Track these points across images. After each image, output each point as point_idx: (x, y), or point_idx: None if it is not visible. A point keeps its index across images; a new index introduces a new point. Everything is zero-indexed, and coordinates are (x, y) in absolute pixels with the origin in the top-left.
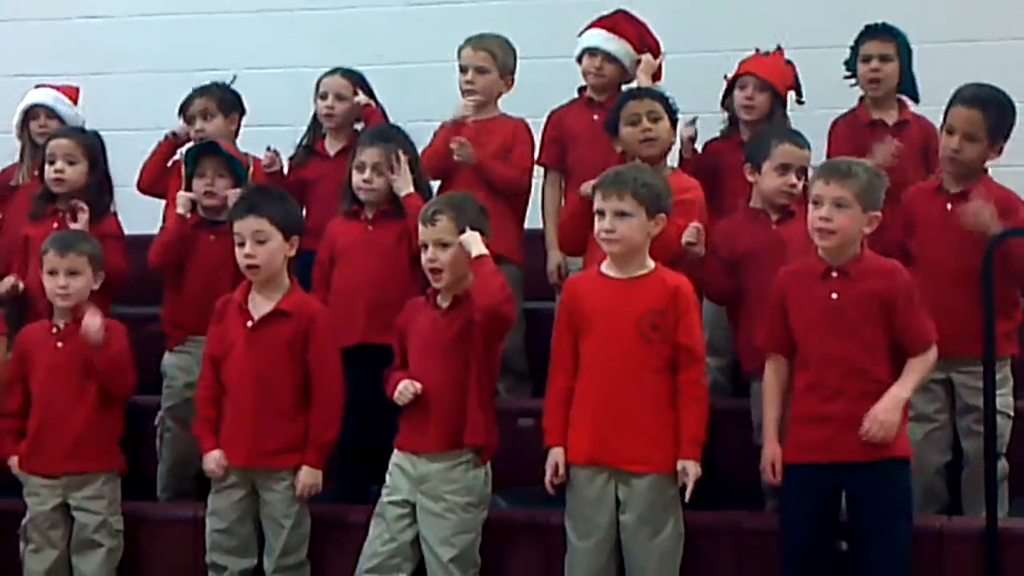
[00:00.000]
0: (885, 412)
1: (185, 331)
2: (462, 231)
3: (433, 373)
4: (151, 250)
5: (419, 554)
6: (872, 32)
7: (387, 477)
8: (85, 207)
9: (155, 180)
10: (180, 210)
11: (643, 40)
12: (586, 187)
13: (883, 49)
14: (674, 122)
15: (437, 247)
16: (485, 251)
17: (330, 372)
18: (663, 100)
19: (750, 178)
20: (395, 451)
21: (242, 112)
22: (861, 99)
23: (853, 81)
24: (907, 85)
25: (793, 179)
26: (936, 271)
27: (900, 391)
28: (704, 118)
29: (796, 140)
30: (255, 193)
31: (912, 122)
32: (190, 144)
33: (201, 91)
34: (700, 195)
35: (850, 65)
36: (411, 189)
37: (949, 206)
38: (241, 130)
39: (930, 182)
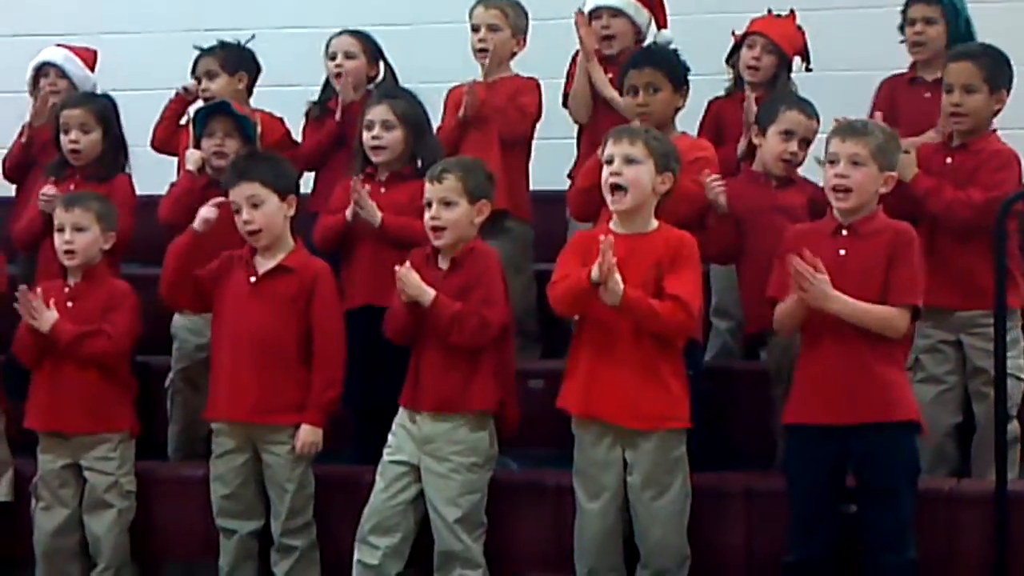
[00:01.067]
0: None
1: None
2: (469, 192)
3: (432, 339)
4: (161, 206)
5: (419, 513)
6: None
7: (390, 436)
8: None
9: (167, 137)
10: (190, 166)
11: None
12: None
13: (927, 12)
14: (682, 85)
15: (441, 205)
16: (432, 294)
17: (333, 330)
18: (668, 66)
19: (756, 141)
20: (400, 409)
21: (254, 71)
22: (913, 64)
23: (902, 40)
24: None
25: (794, 146)
26: (942, 227)
27: (841, 303)
28: (715, 80)
29: (804, 108)
30: (244, 159)
31: None
32: (199, 104)
33: (206, 51)
34: (713, 153)
35: (902, 28)
36: (379, 216)
37: (949, 160)
38: (255, 89)
39: (936, 141)
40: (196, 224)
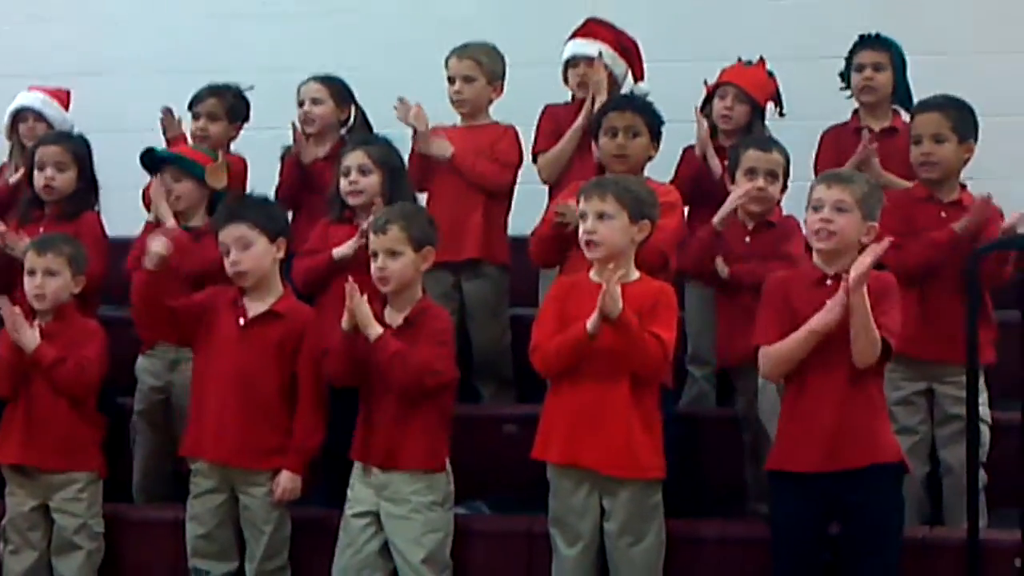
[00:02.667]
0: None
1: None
2: (413, 240)
3: (379, 390)
4: (129, 258)
5: (388, 563)
6: (866, 42)
7: (348, 491)
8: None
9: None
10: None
11: (620, 41)
12: (562, 207)
13: (876, 58)
14: (658, 136)
15: (387, 256)
16: (380, 330)
17: (318, 379)
18: (647, 114)
19: (731, 189)
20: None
21: (245, 121)
22: (855, 111)
23: (848, 93)
24: (901, 95)
25: (760, 182)
26: (925, 280)
27: (863, 297)
28: (688, 127)
29: (761, 145)
30: (235, 201)
31: (901, 130)
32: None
33: (215, 91)
34: (678, 197)
35: (845, 76)
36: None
37: (944, 215)
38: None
39: (915, 191)
40: (148, 263)
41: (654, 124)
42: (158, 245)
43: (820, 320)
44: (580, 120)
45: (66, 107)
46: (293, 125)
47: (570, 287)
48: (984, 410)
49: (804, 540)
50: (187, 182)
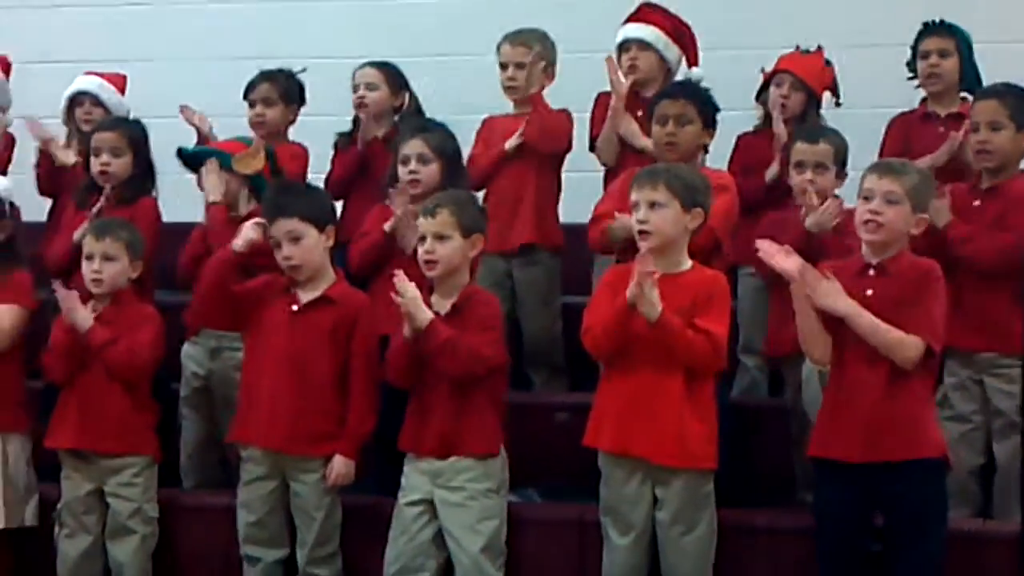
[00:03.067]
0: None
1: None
2: (462, 226)
3: (430, 379)
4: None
5: (442, 551)
6: (931, 29)
7: (403, 479)
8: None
9: None
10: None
11: (673, 25)
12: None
13: (941, 45)
14: (711, 123)
15: (435, 239)
16: (430, 316)
17: (371, 364)
18: (700, 101)
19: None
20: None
21: (302, 104)
22: (924, 99)
23: (916, 82)
24: (970, 81)
25: (809, 175)
26: (969, 270)
27: (851, 308)
28: (745, 115)
29: (807, 137)
30: (280, 193)
31: (966, 116)
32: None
33: (267, 76)
34: (732, 182)
35: (911, 65)
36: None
37: (977, 203)
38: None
39: (967, 183)
40: (238, 244)
41: (707, 111)
42: (251, 231)
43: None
44: (614, 102)
45: (122, 92)
46: (357, 113)
47: (624, 274)
48: None
49: (845, 527)
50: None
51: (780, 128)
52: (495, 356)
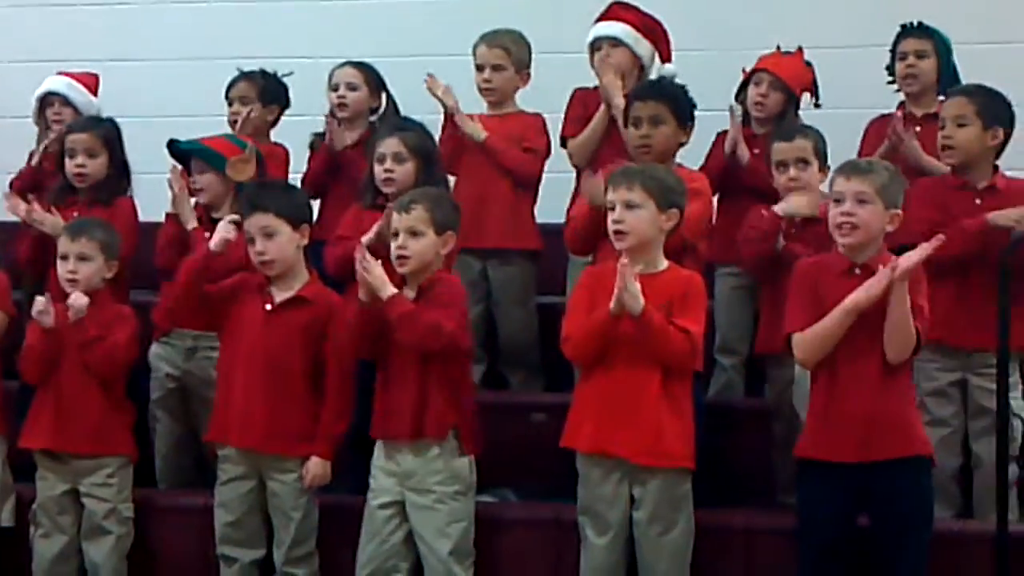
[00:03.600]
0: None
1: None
2: (436, 223)
3: (399, 361)
4: (157, 247)
5: (412, 552)
6: (909, 31)
7: (371, 480)
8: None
9: None
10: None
11: (644, 21)
12: (589, 184)
13: (919, 46)
14: (687, 121)
15: (408, 235)
16: (393, 290)
17: (345, 364)
18: (673, 101)
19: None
20: (376, 451)
21: (284, 106)
22: (902, 102)
23: (896, 87)
24: (948, 82)
25: (791, 172)
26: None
27: (905, 298)
28: (721, 115)
29: (784, 136)
30: (257, 189)
31: None
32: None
33: (246, 76)
34: (706, 184)
35: (890, 67)
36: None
37: (979, 201)
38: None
39: (948, 179)
40: (214, 244)
41: (681, 110)
42: (225, 231)
43: (857, 297)
44: (604, 106)
45: (94, 92)
46: (330, 112)
47: (599, 276)
48: (1018, 403)
49: (831, 529)
50: (209, 174)
51: (743, 150)
52: (456, 331)
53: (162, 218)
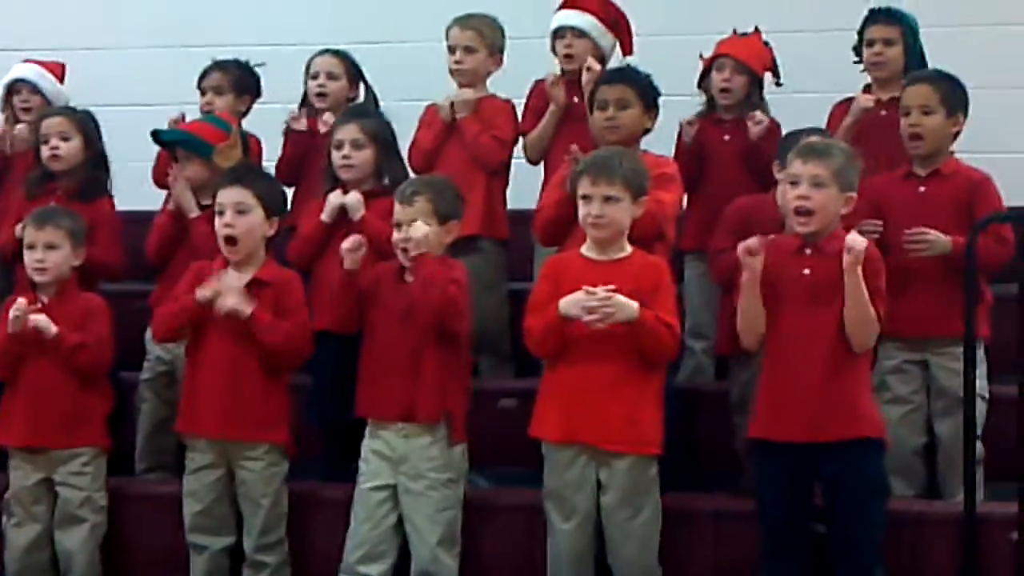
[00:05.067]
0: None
1: None
2: (438, 213)
3: (397, 340)
4: (147, 244)
5: (400, 537)
6: (876, 16)
7: (361, 464)
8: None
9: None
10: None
11: (609, 14)
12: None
13: (886, 33)
14: (652, 106)
15: (411, 227)
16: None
17: (303, 322)
18: (638, 85)
19: (777, 175)
20: (368, 434)
21: (255, 95)
22: (867, 85)
23: (862, 68)
24: (915, 67)
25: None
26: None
27: (860, 283)
28: (685, 101)
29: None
30: (243, 167)
31: None
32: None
33: (219, 66)
34: (675, 169)
35: (857, 50)
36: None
37: (922, 189)
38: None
39: (897, 170)
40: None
41: (646, 95)
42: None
43: (745, 273)
44: (554, 107)
45: (61, 80)
46: (304, 100)
47: (561, 265)
48: (981, 383)
49: (788, 508)
50: (196, 162)
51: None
52: (463, 308)
53: (136, 206)
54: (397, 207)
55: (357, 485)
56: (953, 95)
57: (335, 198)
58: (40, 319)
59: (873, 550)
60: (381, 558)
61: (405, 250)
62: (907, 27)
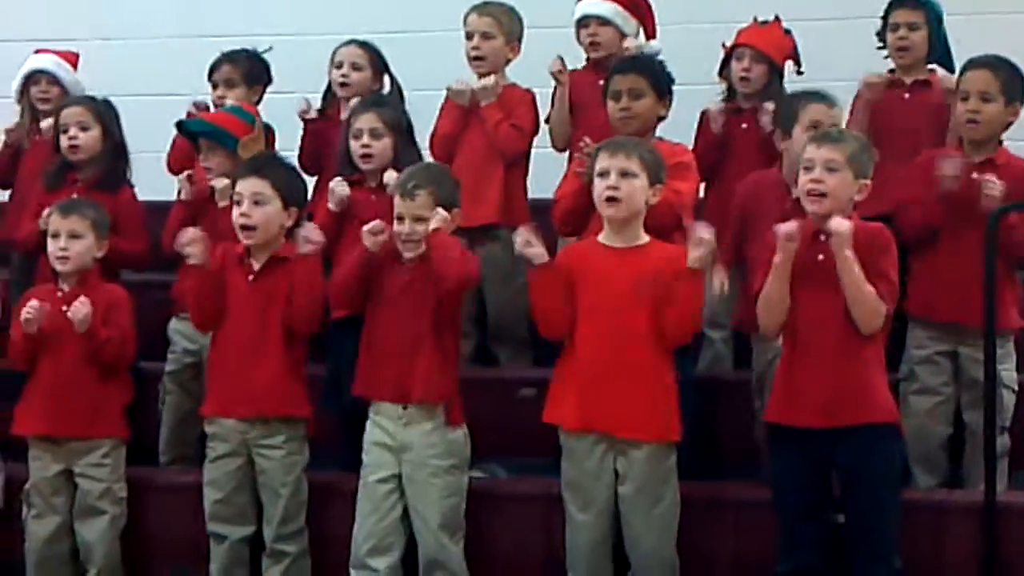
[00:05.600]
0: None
1: None
2: (442, 204)
3: (394, 323)
4: (164, 237)
5: (408, 528)
6: (901, 1)
7: (364, 456)
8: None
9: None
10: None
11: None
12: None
13: (911, 17)
14: (665, 94)
15: (415, 221)
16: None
17: (318, 288)
18: (652, 74)
19: (781, 146)
20: (369, 425)
21: (268, 83)
22: (891, 70)
23: (886, 54)
24: (939, 53)
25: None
26: (953, 242)
27: (852, 265)
28: (704, 89)
29: (826, 99)
30: (263, 157)
31: (933, 83)
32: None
33: (229, 58)
34: (691, 158)
35: (881, 35)
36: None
37: (975, 175)
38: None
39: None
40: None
41: (660, 83)
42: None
43: (778, 256)
44: (564, 89)
45: (75, 69)
46: (328, 90)
47: (576, 253)
48: (1010, 375)
49: (804, 496)
50: (221, 153)
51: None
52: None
53: (153, 197)
54: (398, 200)
55: (361, 478)
56: (1013, 83)
57: (335, 185)
58: (77, 312)
59: (888, 538)
60: (389, 550)
61: (408, 243)
62: (931, 12)
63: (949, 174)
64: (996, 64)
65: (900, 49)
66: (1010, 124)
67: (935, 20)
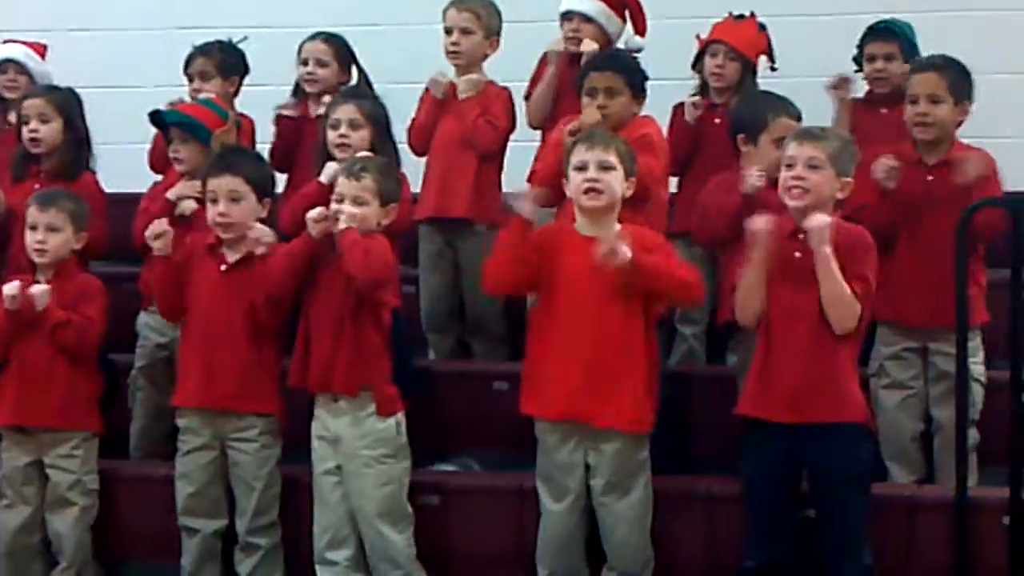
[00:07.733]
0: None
1: None
2: (381, 194)
3: (321, 311)
4: (136, 229)
5: None
6: (875, 32)
7: (312, 452)
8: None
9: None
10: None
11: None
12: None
13: (886, 49)
14: (640, 93)
15: (352, 203)
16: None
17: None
18: (627, 72)
19: (742, 148)
20: (314, 420)
21: (243, 74)
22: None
23: (864, 79)
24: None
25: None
26: (914, 245)
27: (829, 262)
28: (680, 83)
29: (792, 111)
30: (231, 152)
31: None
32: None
33: (202, 51)
34: (657, 128)
35: (857, 60)
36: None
37: (931, 178)
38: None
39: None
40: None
41: (635, 81)
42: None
43: (756, 250)
44: (552, 68)
45: (43, 59)
46: (297, 86)
47: (552, 237)
48: (979, 368)
49: (773, 488)
50: (193, 145)
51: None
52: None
53: (121, 188)
54: (342, 180)
55: (312, 473)
56: (960, 83)
57: (333, 165)
58: (36, 289)
59: (858, 535)
60: (345, 543)
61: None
62: (904, 39)
63: (880, 176)
64: (942, 65)
65: (877, 80)
66: (960, 123)
67: (909, 46)
